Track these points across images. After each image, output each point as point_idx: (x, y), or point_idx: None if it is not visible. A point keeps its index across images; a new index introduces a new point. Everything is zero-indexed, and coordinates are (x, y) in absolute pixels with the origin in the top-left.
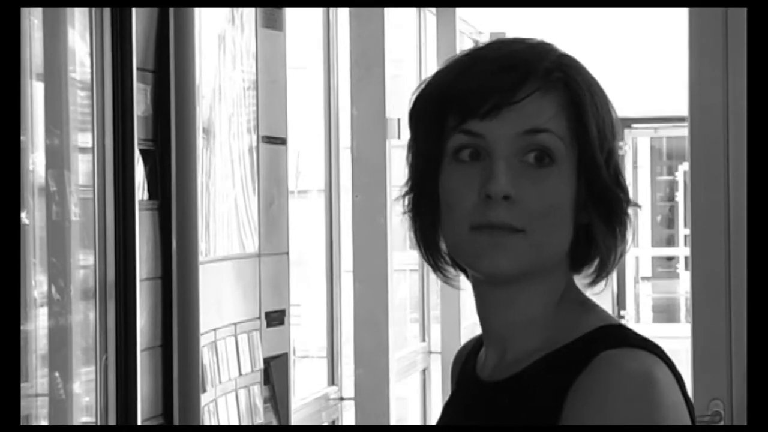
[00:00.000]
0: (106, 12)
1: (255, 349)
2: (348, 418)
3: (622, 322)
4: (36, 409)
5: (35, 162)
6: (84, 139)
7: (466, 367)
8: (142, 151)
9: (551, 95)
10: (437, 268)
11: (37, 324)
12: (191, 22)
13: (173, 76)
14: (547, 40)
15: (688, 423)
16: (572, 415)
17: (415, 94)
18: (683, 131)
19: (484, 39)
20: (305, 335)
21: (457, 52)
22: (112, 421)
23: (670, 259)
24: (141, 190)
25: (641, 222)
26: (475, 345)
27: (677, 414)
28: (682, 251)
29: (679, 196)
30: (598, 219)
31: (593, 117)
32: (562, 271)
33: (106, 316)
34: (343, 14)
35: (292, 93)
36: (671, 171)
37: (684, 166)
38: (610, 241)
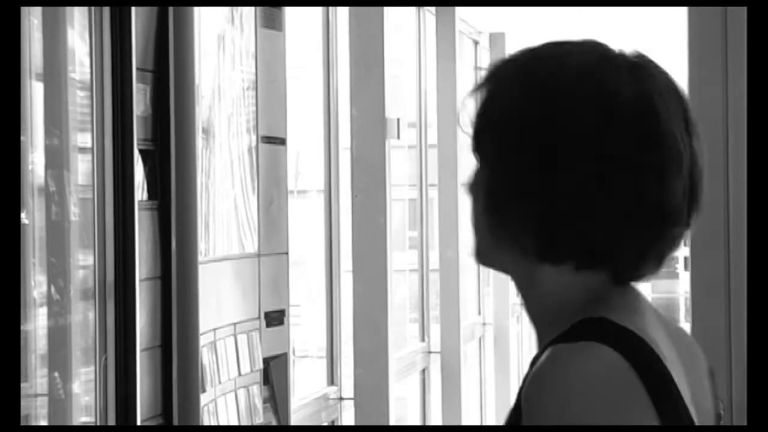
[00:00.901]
0: (106, 12)
1: (254, 349)
2: (347, 418)
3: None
4: (35, 409)
5: (34, 162)
6: (83, 139)
7: None
8: (141, 151)
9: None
10: None
11: (36, 324)
12: (191, 22)
13: (173, 76)
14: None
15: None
16: (523, 408)
17: None
18: None
19: (484, 39)
20: (305, 335)
21: (456, 52)
22: (111, 421)
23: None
24: (140, 190)
25: None
26: None
27: (600, 412)
28: (681, 251)
29: None
30: None
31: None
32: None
33: (105, 316)
34: (342, 14)
35: (292, 93)
36: None
37: None
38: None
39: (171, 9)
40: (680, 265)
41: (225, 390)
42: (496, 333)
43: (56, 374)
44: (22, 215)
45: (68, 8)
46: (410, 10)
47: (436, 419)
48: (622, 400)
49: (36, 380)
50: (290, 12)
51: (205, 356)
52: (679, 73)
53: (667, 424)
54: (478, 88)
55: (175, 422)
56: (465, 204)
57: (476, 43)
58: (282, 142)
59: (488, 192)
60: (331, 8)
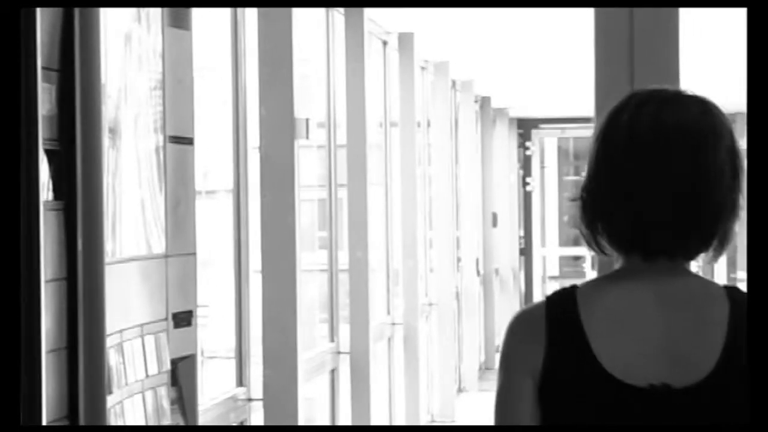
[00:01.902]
0: None
1: (162, 350)
2: (257, 419)
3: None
4: None
5: None
6: None
7: None
8: (46, 151)
9: None
10: None
11: None
12: (96, 21)
13: (78, 75)
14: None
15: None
16: None
17: None
18: (590, 132)
19: (393, 39)
20: (213, 336)
21: (365, 52)
22: None
23: (576, 258)
24: (46, 191)
25: (548, 222)
26: None
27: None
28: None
29: None
30: None
31: None
32: None
33: None
34: (251, 14)
35: (200, 93)
36: (578, 171)
37: None
38: None
39: (77, 8)
40: (587, 265)
41: (132, 391)
42: (405, 333)
43: None
44: None
45: None
46: (319, 11)
47: (345, 419)
48: (520, 330)
49: None
50: (198, 11)
51: (112, 358)
52: (586, 74)
53: (555, 350)
54: None
55: (82, 424)
56: (374, 204)
57: (385, 43)
58: (189, 142)
59: None
60: (239, 8)
